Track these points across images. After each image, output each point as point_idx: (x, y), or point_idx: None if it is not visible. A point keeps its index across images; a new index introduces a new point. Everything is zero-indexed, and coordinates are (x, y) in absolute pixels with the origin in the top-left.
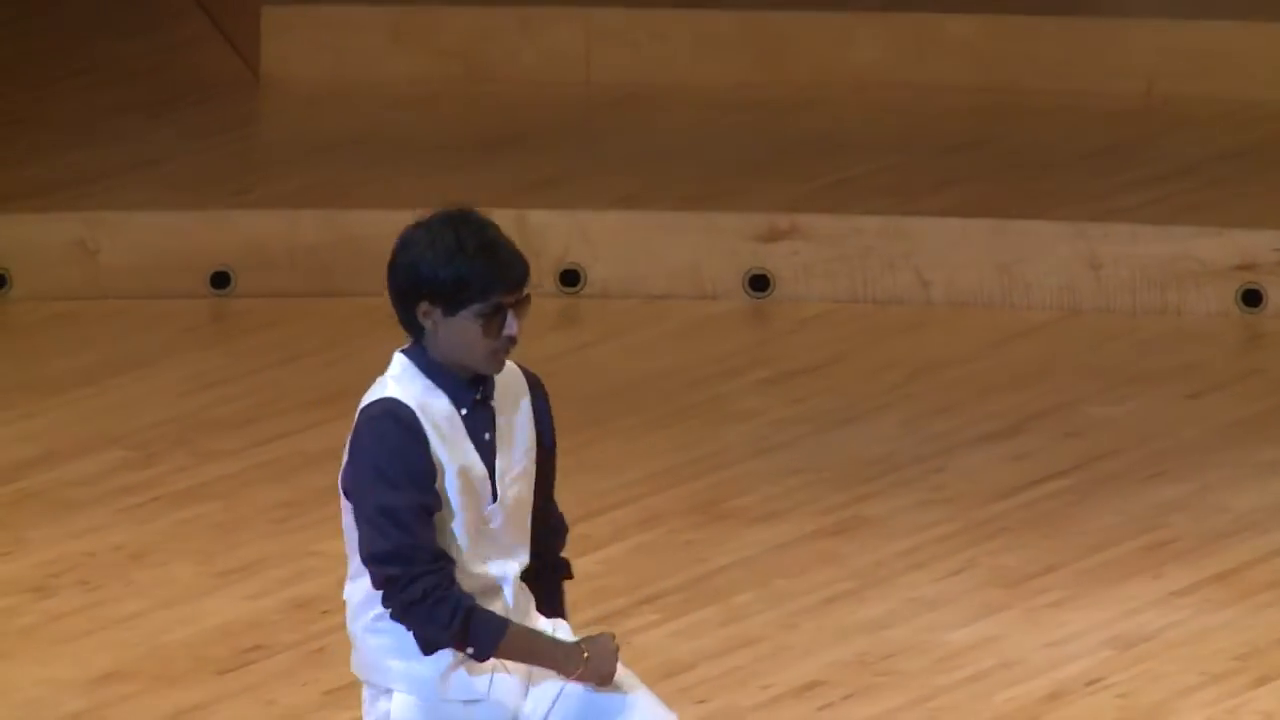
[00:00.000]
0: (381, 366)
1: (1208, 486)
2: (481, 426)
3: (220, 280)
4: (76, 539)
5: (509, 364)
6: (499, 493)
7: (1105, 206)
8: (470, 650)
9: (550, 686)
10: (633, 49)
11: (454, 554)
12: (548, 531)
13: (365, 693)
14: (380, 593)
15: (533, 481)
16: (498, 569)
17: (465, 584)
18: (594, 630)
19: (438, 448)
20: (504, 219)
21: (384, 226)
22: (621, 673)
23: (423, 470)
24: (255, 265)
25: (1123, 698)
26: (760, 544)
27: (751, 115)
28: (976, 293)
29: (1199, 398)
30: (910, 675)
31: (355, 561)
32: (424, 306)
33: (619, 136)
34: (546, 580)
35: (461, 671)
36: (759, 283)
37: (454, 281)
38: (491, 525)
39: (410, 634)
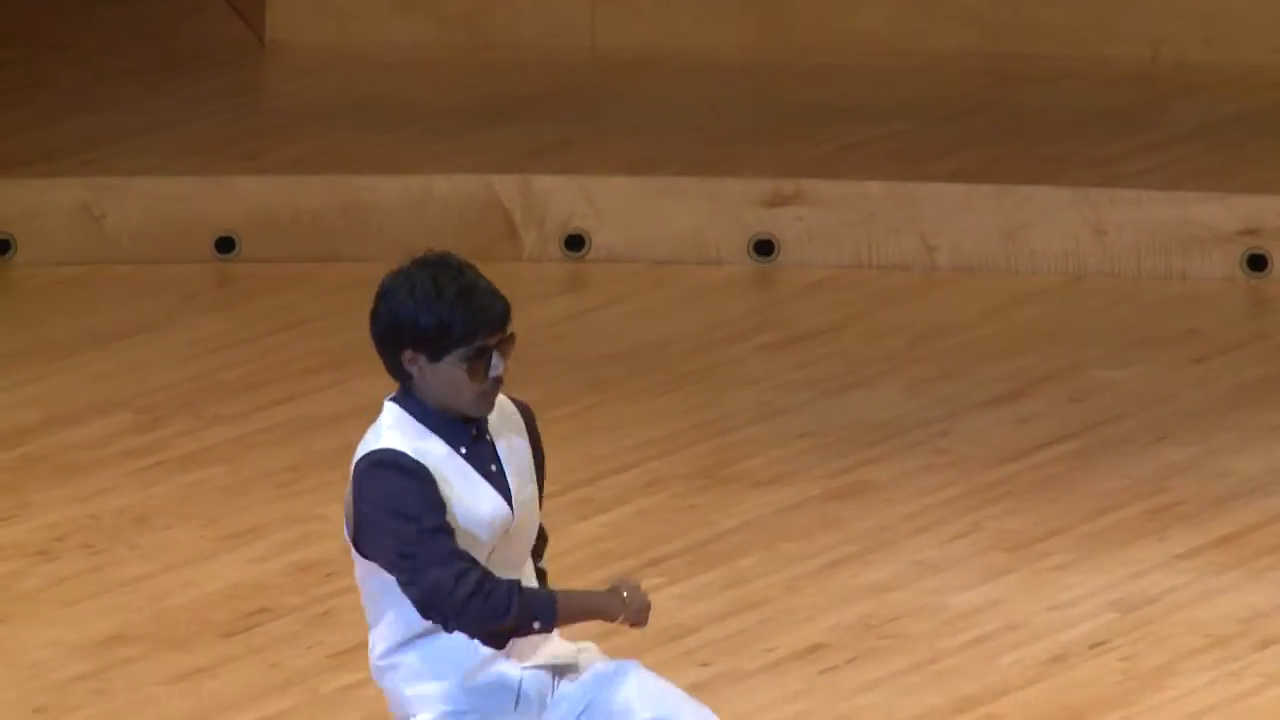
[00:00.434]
0: None
1: (1212, 451)
2: (486, 459)
3: (225, 245)
4: (81, 502)
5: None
6: (517, 516)
7: (1110, 171)
8: (537, 625)
9: (571, 697)
10: (637, 15)
11: None
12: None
13: None
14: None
15: (537, 511)
16: None
17: None
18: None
19: (445, 489)
20: (508, 184)
21: (389, 192)
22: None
23: (434, 501)
24: (260, 230)
25: (1126, 660)
26: (765, 507)
27: (757, 81)
28: (981, 258)
29: (1204, 362)
30: (914, 638)
31: (373, 610)
32: (408, 354)
33: (624, 102)
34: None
35: (475, 681)
36: (764, 248)
37: (435, 328)
38: (509, 549)
39: (433, 662)
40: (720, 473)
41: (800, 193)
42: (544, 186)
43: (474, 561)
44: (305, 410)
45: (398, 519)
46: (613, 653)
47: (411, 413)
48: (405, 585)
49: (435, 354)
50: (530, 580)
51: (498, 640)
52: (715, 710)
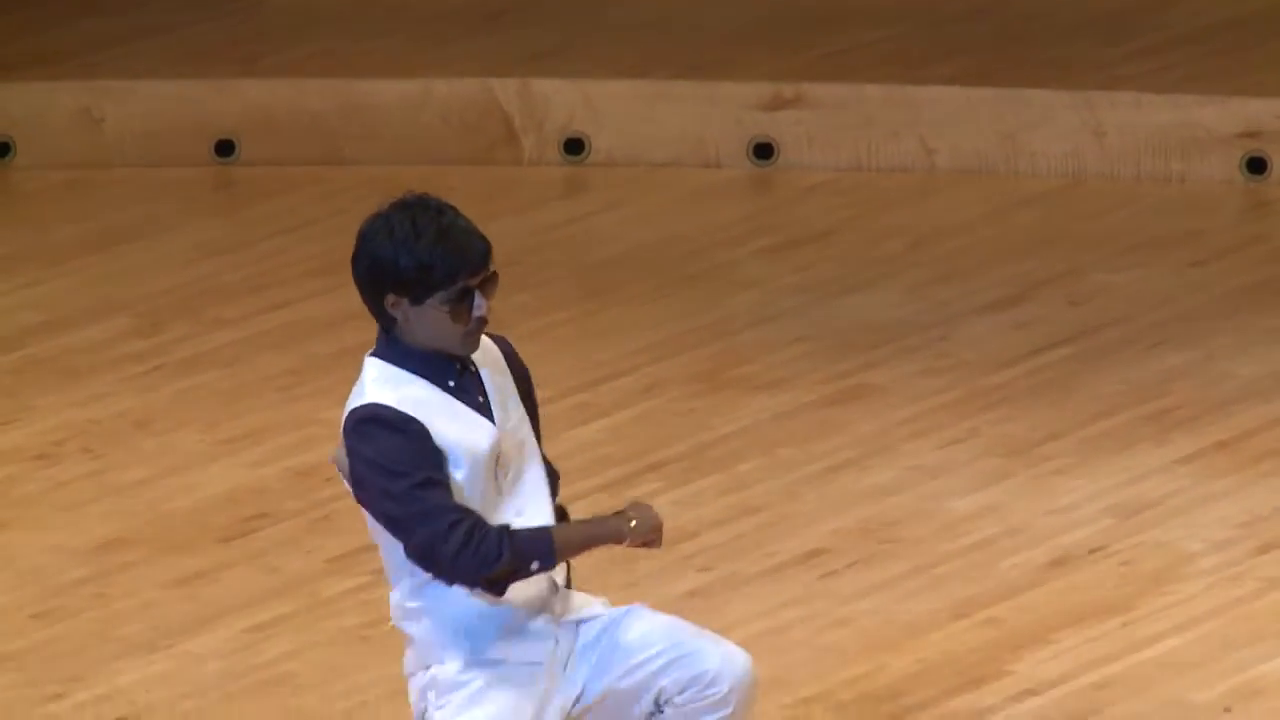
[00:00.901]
0: None
1: (1211, 354)
2: (473, 392)
3: (225, 149)
4: (81, 406)
5: None
6: (505, 448)
7: (1110, 74)
8: (535, 566)
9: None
10: None
11: None
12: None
13: (410, 684)
14: (419, 578)
15: (534, 438)
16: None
17: None
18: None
19: (435, 427)
20: (508, 88)
21: (389, 95)
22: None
23: (423, 453)
24: (260, 134)
25: (1125, 565)
26: (763, 412)
27: None
28: (980, 161)
29: (1203, 265)
30: (913, 543)
31: (390, 564)
32: (391, 298)
33: (623, 6)
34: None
35: (490, 630)
36: (763, 151)
37: (416, 270)
38: (518, 492)
39: (463, 605)
40: (719, 377)
41: (800, 96)
42: (543, 90)
43: (465, 512)
44: (305, 314)
45: (387, 476)
46: (621, 579)
47: (393, 361)
48: (403, 544)
49: (417, 296)
50: (547, 520)
51: (497, 587)
52: (715, 615)
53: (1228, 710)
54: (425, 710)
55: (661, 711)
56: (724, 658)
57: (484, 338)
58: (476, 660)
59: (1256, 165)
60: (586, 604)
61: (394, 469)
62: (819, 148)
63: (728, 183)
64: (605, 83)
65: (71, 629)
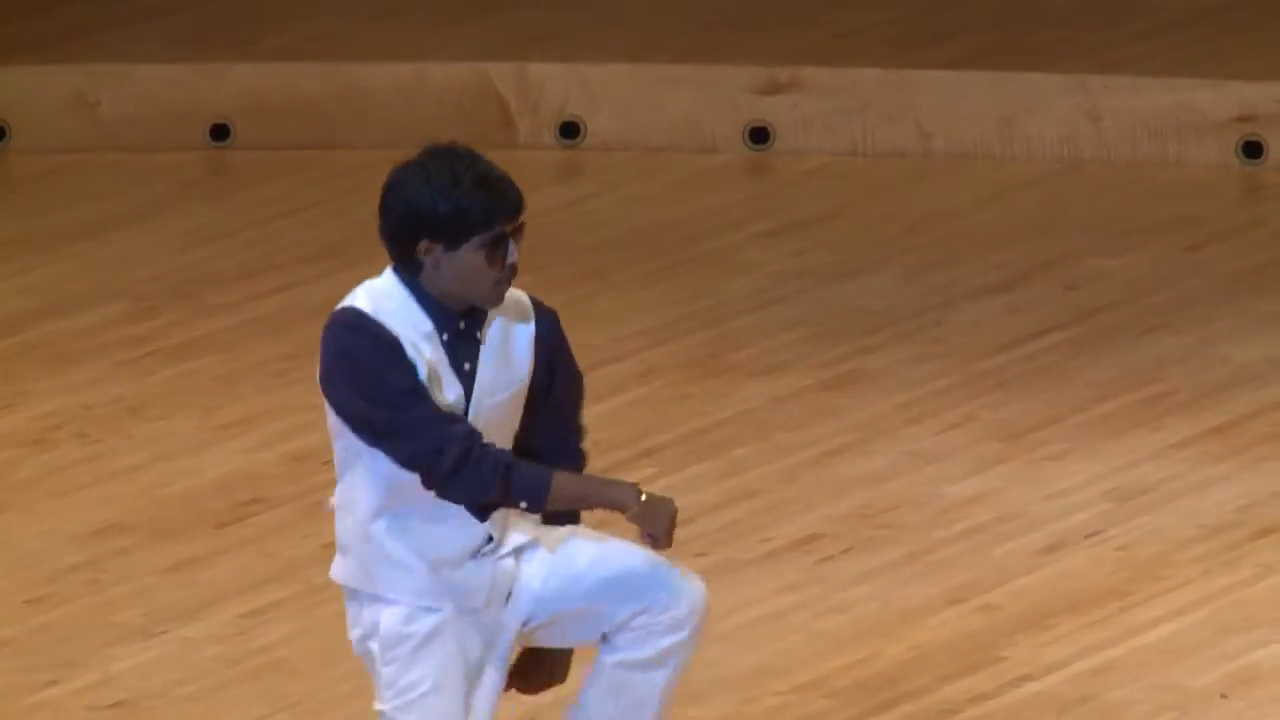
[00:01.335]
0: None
1: (1207, 339)
2: (463, 357)
3: (220, 133)
4: (76, 392)
5: (517, 293)
6: (471, 419)
7: (1106, 58)
8: (523, 505)
9: (530, 579)
10: None
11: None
12: (565, 455)
13: (349, 604)
14: (383, 497)
15: (517, 415)
16: None
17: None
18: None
19: (414, 357)
20: (504, 72)
21: (384, 79)
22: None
23: (400, 363)
24: (254, 118)
25: (1121, 550)
26: (759, 397)
27: None
28: (977, 145)
29: (1199, 250)
30: (909, 528)
31: (341, 458)
32: (424, 244)
33: None
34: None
35: (447, 580)
36: (759, 135)
37: (453, 214)
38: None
39: (404, 541)
40: (714, 362)
41: (796, 80)
42: (539, 74)
43: (454, 422)
44: (300, 299)
45: (368, 384)
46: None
47: (409, 287)
48: (388, 453)
49: (453, 242)
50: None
51: (482, 512)
52: (711, 600)
53: (1224, 696)
54: (369, 654)
55: (617, 635)
56: (680, 580)
57: (528, 304)
58: (418, 608)
59: (1253, 149)
60: (518, 529)
61: (372, 378)
62: (815, 132)
63: (724, 167)
64: (601, 66)
65: (66, 615)
